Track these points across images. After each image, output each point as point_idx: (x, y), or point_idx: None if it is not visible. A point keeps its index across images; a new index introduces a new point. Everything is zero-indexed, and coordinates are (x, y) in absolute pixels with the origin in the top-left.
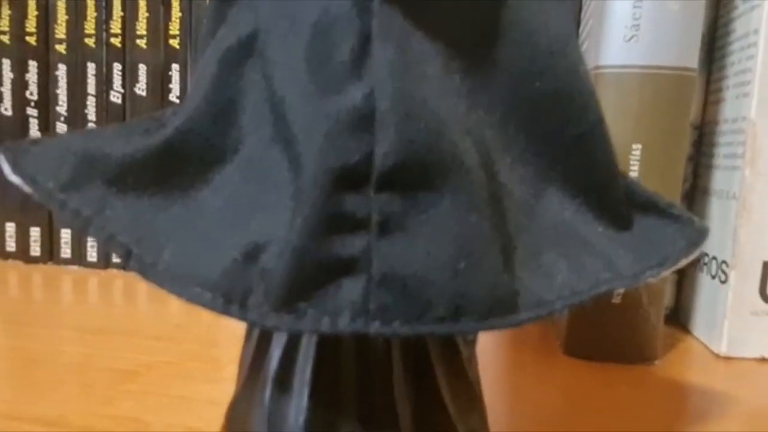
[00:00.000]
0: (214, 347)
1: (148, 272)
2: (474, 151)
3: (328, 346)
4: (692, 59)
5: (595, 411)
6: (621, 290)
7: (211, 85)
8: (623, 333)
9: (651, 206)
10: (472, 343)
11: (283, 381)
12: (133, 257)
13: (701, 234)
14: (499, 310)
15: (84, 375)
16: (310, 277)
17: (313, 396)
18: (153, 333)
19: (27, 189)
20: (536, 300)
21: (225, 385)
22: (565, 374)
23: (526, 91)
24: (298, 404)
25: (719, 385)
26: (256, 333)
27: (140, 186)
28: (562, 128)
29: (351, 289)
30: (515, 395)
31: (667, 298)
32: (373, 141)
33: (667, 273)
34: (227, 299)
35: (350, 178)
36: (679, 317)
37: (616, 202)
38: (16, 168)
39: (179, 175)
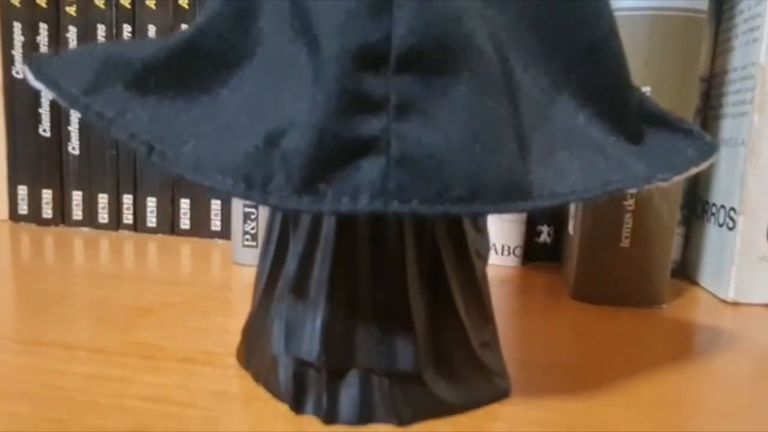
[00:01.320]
0: (226, 290)
1: (170, 164)
2: (490, 42)
3: (343, 252)
4: (701, 1)
5: (603, 350)
6: (632, 191)
7: None
8: (631, 276)
9: (662, 120)
10: (484, 260)
11: (300, 287)
12: (155, 153)
13: (711, 147)
14: (513, 194)
15: (101, 311)
16: (330, 157)
17: (329, 299)
18: (166, 279)
19: (51, 93)
20: (549, 192)
21: (238, 319)
22: (573, 316)
23: None
24: (315, 307)
25: (727, 329)
26: (272, 246)
27: (161, 87)
28: (575, 35)
29: (370, 169)
30: (523, 337)
31: (674, 251)
32: (391, 22)
33: (678, 179)
34: (248, 184)
35: (369, 57)
36: (686, 271)
37: (628, 114)
38: (40, 74)
39: (199, 76)
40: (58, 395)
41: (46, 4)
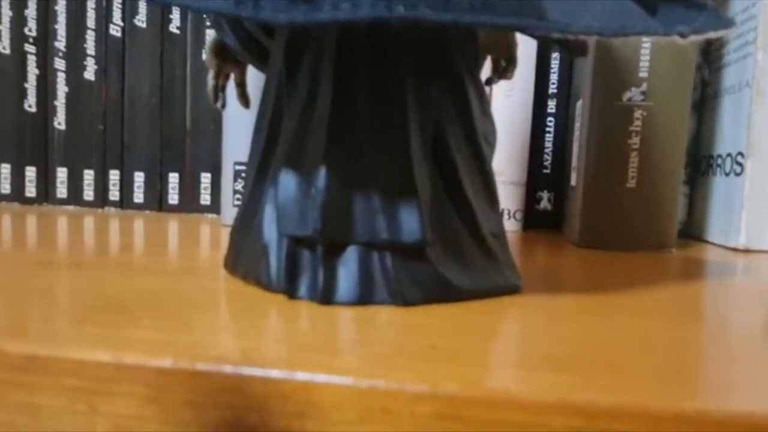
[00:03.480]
0: (213, 239)
1: None
2: None
3: (341, 117)
4: None
5: (611, 279)
6: (650, 38)
7: None
8: (638, 218)
9: None
10: (491, 146)
11: (295, 162)
12: None
13: (727, 20)
14: (526, 11)
15: (81, 246)
16: None
17: (326, 167)
18: (148, 232)
19: None
20: (564, 21)
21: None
22: (579, 260)
23: None
24: (311, 178)
25: (738, 275)
26: (264, 129)
27: None
28: None
29: None
30: (528, 274)
31: (680, 213)
32: None
33: (696, 38)
34: (239, 0)
35: None
36: (692, 231)
37: None
38: None
39: None
40: (25, 287)
41: None
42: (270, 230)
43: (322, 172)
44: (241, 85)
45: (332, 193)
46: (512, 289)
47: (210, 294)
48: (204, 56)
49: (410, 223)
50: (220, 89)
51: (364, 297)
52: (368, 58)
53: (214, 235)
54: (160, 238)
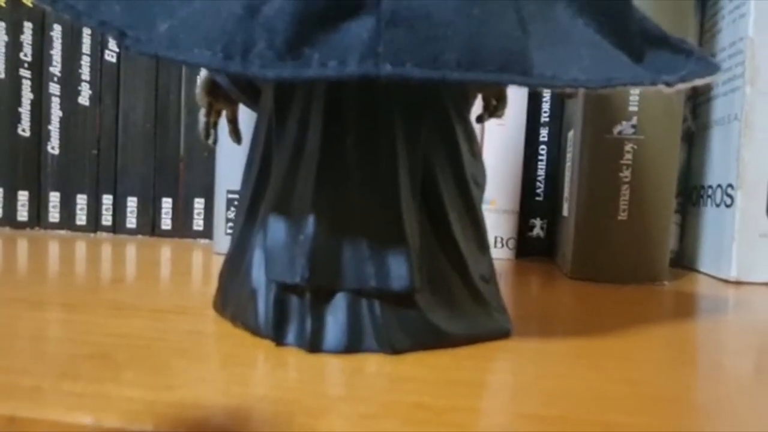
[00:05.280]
0: (205, 269)
1: (143, 46)
2: None
3: (329, 162)
4: None
5: (603, 318)
6: (636, 90)
7: None
8: (630, 250)
9: (663, 40)
10: (480, 188)
11: (283, 208)
12: (127, 37)
13: (714, 65)
14: (514, 66)
15: (71, 279)
16: (316, 17)
17: (315, 214)
18: (143, 261)
19: None
20: (551, 74)
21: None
22: (571, 292)
23: None
24: (299, 225)
25: (730, 308)
26: (254, 172)
27: None
28: None
29: (360, 30)
30: (520, 307)
31: (671, 241)
32: None
33: (682, 87)
34: (227, 54)
35: None
36: (684, 260)
37: (628, 30)
38: None
39: None
40: (10, 332)
41: (32, 3)
42: (258, 274)
43: (310, 219)
44: (233, 122)
45: (320, 240)
46: (502, 333)
47: (197, 338)
48: (196, 94)
49: (399, 270)
50: (211, 126)
51: (352, 345)
52: (357, 102)
53: (205, 264)
54: (151, 269)
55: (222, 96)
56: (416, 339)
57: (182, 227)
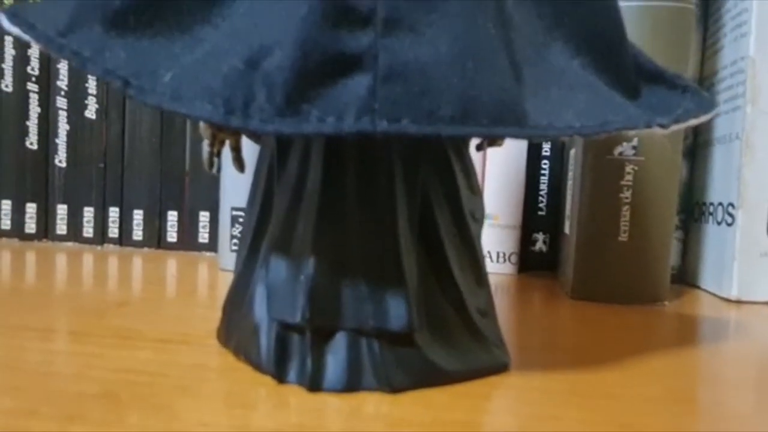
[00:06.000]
0: (210, 288)
1: (147, 96)
2: None
3: (329, 204)
4: None
5: (605, 341)
6: (631, 132)
7: None
8: (631, 271)
9: (659, 76)
10: (479, 223)
11: (285, 246)
12: (131, 86)
13: (711, 102)
14: (508, 118)
15: (77, 302)
16: (315, 74)
17: (315, 254)
18: (148, 279)
19: (26, 37)
20: (546, 123)
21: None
22: (573, 313)
23: None
24: (300, 265)
25: (732, 326)
26: (255, 210)
27: (141, 26)
28: None
29: (357, 86)
30: (522, 330)
31: (673, 258)
32: None
33: (677, 127)
34: (228, 108)
35: None
36: (686, 277)
37: (624, 66)
38: (14, 18)
39: (180, 14)
40: (21, 367)
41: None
42: (260, 310)
43: (311, 259)
44: (237, 150)
45: (321, 280)
46: (501, 368)
47: (201, 373)
48: (200, 126)
49: (397, 309)
50: (215, 155)
51: (352, 383)
52: (357, 142)
53: (211, 283)
54: (156, 289)
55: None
56: (415, 377)
57: (188, 240)
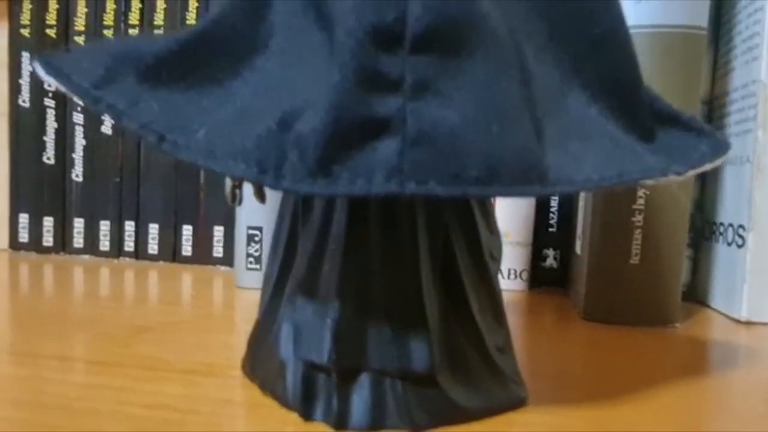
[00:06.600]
0: (228, 310)
1: (181, 151)
2: (503, 26)
3: (354, 250)
4: (702, 18)
5: (618, 366)
6: (649, 182)
7: None
8: (642, 294)
9: (674, 118)
10: (497, 261)
11: (310, 288)
12: (166, 141)
13: (725, 144)
14: (531, 177)
15: (99, 327)
16: (345, 137)
17: (340, 298)
18: (166, 300)
19: (62, 88)
20: (566, 178)
21: (241, 336)
22: (585, 335)
23: None
24: (326, 307)
25: (742, 349)
26: (281, 249)
27: (173, 80)
28: (583, 25)
29: (386, 149)
30: (535, 353)
31: (683, 274)
32: (406, 2)
33: (692, 173)
34: (261, 168)
35: (384, 37)
36: (696, 294)
37: (640, 110)
38: (50, 69)
39: (212, 68)
40: (55, 402)
41: (56, 34)
42: (286, 349)
43: (336, 301)
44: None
45: (346, 322)
46: (519, 404)
47: (230, 409)
48: None
49: (420, 351)
50: (237, 187)
51: (377, 423)
52: None
53: (227, 301)
54: (177, 312)
55: None
56: (436, 416)
57: (202, 254)
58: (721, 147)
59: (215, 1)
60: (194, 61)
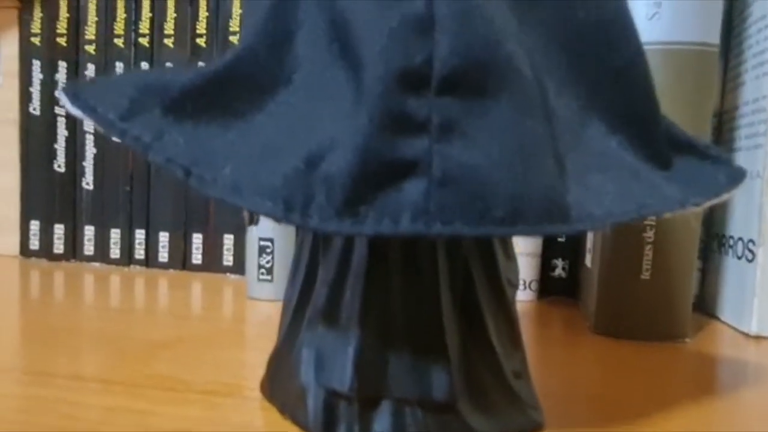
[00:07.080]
0: (241, 323)
1: (208, 188)
2: (527, 64)
3: (375, 279)
4: (714, 35)
5: (630, 384)
6: (668, 215)
7: (267, 16)
8: (653, 309)
9: (691, 147)
10: (514, 287)
11: (331, 315)
12: (192, 176)
13: (740, 173)
14: (554, 216)
15: (113, 343)
16: (372, 178)
17: (361, 327)
18: (179, 313)
19: (88, 119)
20: (587, 214)
21: (255, 353)
22: (596, 350)
23: (569, 19)
24: (347, 336)
25: (751, 364)
26: (300, 274)
27: (198, 112)
28: (603, 57)
29: (412, 190)
30: (548, 371)
31: (693, 285)
32: (433, 44)
33: (710, 203)
34: (288, 207)
35: (411, 80)
36: (705, 306)
37: (658, 140)
38: (76, 101)
39: (236, 102)
40: (76, 427)
41: (66, 42)
42: (307, 374)
43: (358, 330)
44: None
45: (367, 351)
46: (536, 428)
47: None
48: None
49: (440, 380)
50: None
51: None
52: None
53: (239, 314)
54: (191, 326)
55: None
56: None
57: (212, 262)
58: (737, 176)
59: (225, 17)
60: (219, 95)
